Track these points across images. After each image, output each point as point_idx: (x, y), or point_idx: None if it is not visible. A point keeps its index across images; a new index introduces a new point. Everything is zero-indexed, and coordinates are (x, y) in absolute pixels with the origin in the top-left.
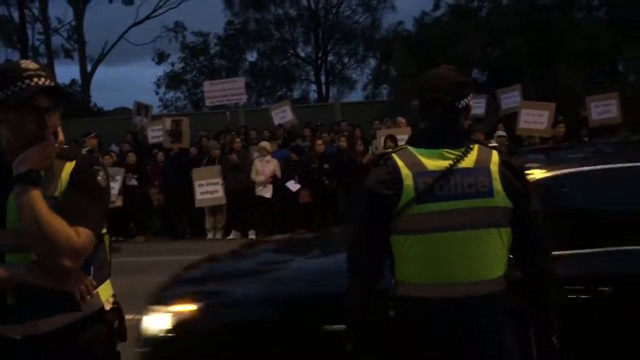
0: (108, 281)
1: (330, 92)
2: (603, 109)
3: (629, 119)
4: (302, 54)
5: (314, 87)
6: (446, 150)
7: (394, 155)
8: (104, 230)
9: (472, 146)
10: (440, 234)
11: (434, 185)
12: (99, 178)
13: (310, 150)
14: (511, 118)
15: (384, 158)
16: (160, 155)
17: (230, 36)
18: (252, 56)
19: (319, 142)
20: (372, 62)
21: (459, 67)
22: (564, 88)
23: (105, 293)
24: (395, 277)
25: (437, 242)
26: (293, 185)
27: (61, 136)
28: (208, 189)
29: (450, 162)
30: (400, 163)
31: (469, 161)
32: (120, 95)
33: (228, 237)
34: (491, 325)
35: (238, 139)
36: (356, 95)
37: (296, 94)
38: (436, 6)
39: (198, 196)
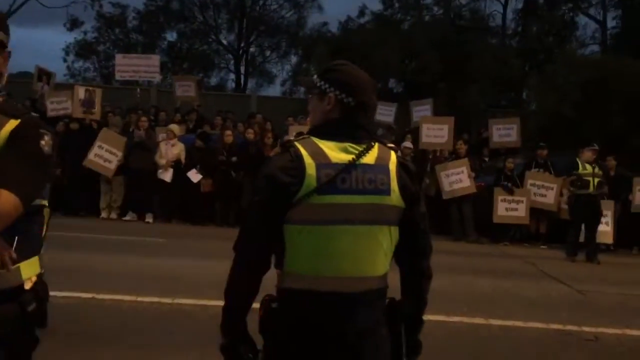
0: (35, 258)
1: (249, 83)
2: (504, 132)
3: (527, 144)
4: (224, 41)
5: (232, 76)
6: (349, 144)
7: (297, 143)
8: (44, 202)
9: (373, 143)
10: (338, 226)
11: (337, 178)
12: (43, 143)
13: (218, 140)
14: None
15: (287, 145)
16: (61, 126)
17: (151, 12)
18: (171, 36)
19: (228, 132)
20: (294, 59)
21: (377, 75)
22: (471, 107)
23: (28, 270)
24: (284, 268)
25: (333, 235)
26: (194, 176)
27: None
28: (104, 155)
29: (353, 156)
30: (303, 152)
31: (370, 157)
32: (25, 58)
33: (123, 218)
34: (370, 322)
35: (145, 118)
36: (274, 90)
37: (213, 80)
38: (362, 13)
39: (91, 156)
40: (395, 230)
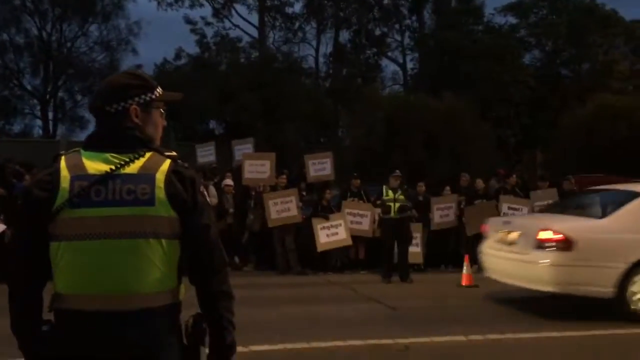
0: None
1: (59, 129)
2: (319, 166)
3: (343, 177)
4: (28, 86)
5: (39, 122)
6: (112, 154)
7: (62, 157)
8: None
9: (143, 153)
10: (94, 241)
11: (90, 190)
12: None
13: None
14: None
15: (53, 159)
16: None
17: None
18: None
19: (28, 177)
20: None
21: (196, 117)
22: (290, 145)
23: None
24: (53, 288)
25: (90, 250)
26: None
27: None
28: None
29: (112, 166)
30: (63, 165)
31: (133, 167)
32: None
33: None
34: (148, 343)
35: None
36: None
37: (17, 128)
38: (178, 56)
39: None
40: (170, 244)
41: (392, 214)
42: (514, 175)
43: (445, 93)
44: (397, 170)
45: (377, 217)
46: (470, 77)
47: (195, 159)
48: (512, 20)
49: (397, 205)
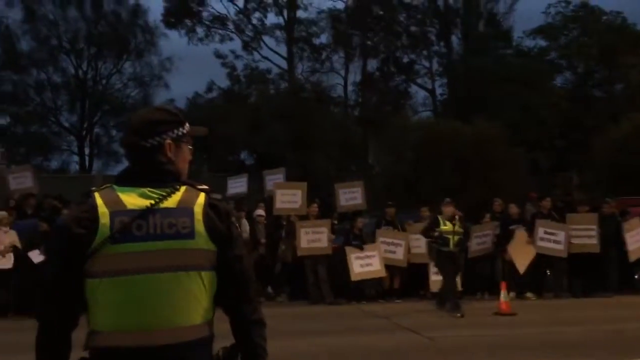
0: None
1: (95, 164)
2: (350, 195)
3: (374, 204)
4: (66, 123)
5: (76, 158)
6: (149, 189)
7: (95, 193)
8: None
9: (178, 187)
10: (136, 276)
11: (132, 225)
12: None
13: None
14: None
15: (85, 195)
16: None
17: None
18: (4, 119)
19: (65, 212)
20: None
21: (226, 148)
22: (319, 173)
23: None
24: (90, 326)
25: (132, 285)
26: (37, 257)
27: None
28: None
29: (152, 201)
30: (99, 201)
31: (172, 201)
32: None
33: None
34: None
35: None
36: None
37: (54, 164)
38: (209, 89)
39: None
40: (208, 276)
41: (451, 247)
42: (548, 199)
43: (475, 118)
44: (448, 198)
45: (411, 246)
46: (500, 101)
47: (225, 190)
48: (542, 43)
49: (457, 238)
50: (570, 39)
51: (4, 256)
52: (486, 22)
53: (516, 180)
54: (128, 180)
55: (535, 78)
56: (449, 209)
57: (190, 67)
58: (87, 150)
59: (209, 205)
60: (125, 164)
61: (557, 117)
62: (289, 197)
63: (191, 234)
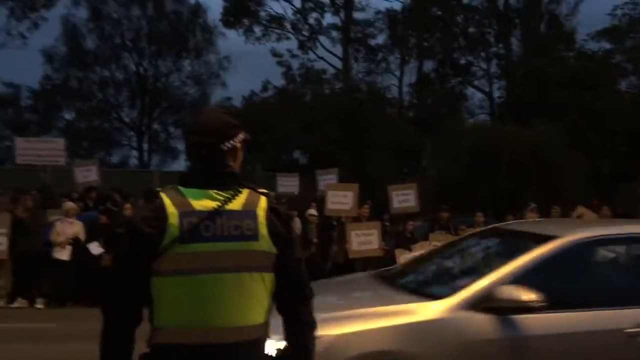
0: None
1: (153, 159)
2: (403, 197)
3: (427, 208)
4: (126, 119)
5: (135, 153)
6: (215, 191)
7: (162, 193)
8: None
9: (241, 189)
10: (203, 275)
11: (200, 225)
12: None
13: (118, 214)
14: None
15: (148, 194)
16: None
17: (46, 91)
18: (70, 114)
19: (128, 206)
20: None
21: (280, 146)
22: (374, 175)
23: None
24: (153, 322)
25: (198, 285)
26: (95, 248)
27: None
28: None
29: (218, 203)
30: (167, 201)
31: (236, 204)
32: None
33: (11, 305)
34: None
35: (29, 197)
36: (179, 165)
37: (115, 158)
38: (265, 88)
39: None
40: (269, 277)
41: None
42: (605, 207)
43: (534, 121)
44: (533, 204)
45: None
46: (561, 105)
47: (275, 187)
48: (607, 45)
49: None
50: (638, 41)
51: (63, 247)
52: (547, 24)
53: (576, 187)
54: (196, 182)
55: (599, 82)
56: (533, 216)
57: (246, 66)
58: (145, 146)
59: (270, 209)
60: (182, 160)
61: (621, 122)
62: (340, 199)
63: (255, 236)
